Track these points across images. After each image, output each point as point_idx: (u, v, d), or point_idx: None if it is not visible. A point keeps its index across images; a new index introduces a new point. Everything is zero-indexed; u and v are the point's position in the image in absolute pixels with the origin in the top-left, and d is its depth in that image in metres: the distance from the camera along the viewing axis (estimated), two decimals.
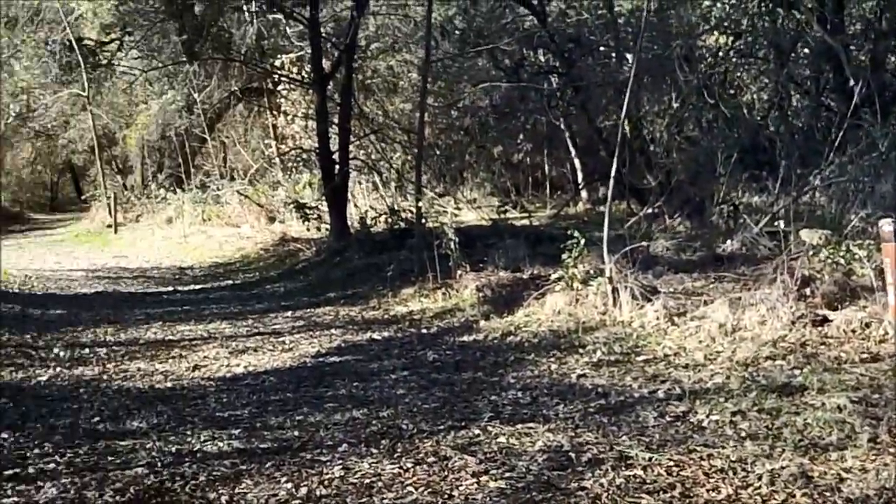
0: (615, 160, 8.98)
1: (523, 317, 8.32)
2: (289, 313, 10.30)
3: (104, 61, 25.13)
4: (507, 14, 16.82)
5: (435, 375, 6.69)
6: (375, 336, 8.52)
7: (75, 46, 25.21)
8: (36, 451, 5.20)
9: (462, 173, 20.71)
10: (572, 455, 4.60)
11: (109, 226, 24.54)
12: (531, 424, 5.18)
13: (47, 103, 29.99)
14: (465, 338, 7.99)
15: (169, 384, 6.99)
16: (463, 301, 9.34)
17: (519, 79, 16.36)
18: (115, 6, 21.99)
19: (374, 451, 4.89)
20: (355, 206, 16.97)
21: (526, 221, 14.65)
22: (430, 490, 4.25)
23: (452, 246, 9.93)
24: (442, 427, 5.26)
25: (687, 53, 14.28)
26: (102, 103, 28.76)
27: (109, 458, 5.01)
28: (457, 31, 16.48)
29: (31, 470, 4.85)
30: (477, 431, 5.12)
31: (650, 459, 4.46)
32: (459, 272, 9.93)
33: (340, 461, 4.74)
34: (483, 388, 6.16)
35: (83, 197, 34.56)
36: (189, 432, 5.46)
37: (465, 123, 18.81)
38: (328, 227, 15.42)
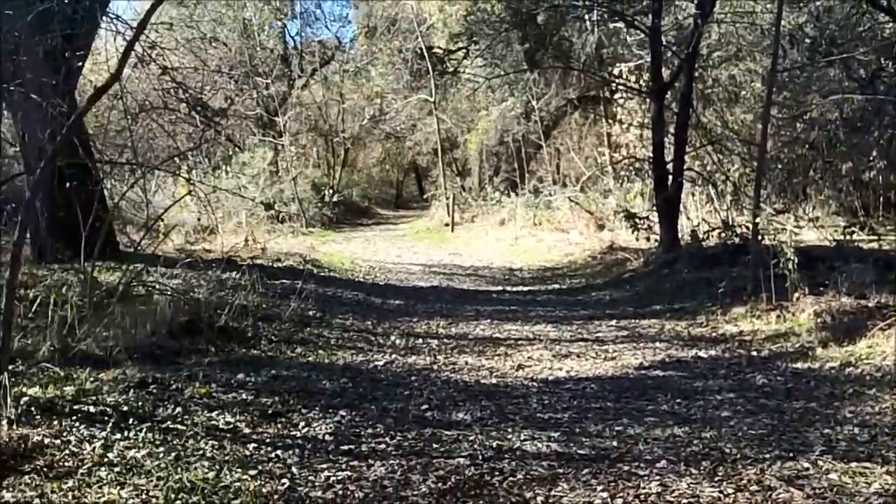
0: None
1: (866, 347, 7.65)
2: (613, 322, 10.26)
3: (451, 69, 26.81)
4: (864, 21, 15.61)
5: (763, 401, 6.36)
6: (701, 354, 8.26)
7: (425, 54, 27.09)
8: (369, 430, 5.63)
9: (805, 190, 19.52)
10: None
11: (447, 224, 25.88)
12: (867, 464, 4.79)
13: (398, 107, 32.44)
14: (799, 364, 7.51)
15: (493, 381, 7.25)
16: (799, 325, 8.78)
17: (875, 91, 15.07)
18: (463, 17, 23.32)
19: (694, 471, 4.77)
20: (687, 217, 16.58)
21: (875, 245, 13.50)
22: None
23: (791, 266, 9.36)
24: (768, 455, 5.01)
25: None
26: (447, 109, 30.50)
27: (434, 446, 5.31)
28: (807, 40, 15.47)
29: (363, 448, 5.26)
30: (806, 464, 4.82)
31: None
32: (797, 294, 9.33)
33: (658, 477, 4.67)
34: (815, 420, 5.77)
35: (425, 196, 36.85)
36: (510, 430, 5.64)
37: (811, 137, 17.67)
38: (657, 237, 15.20)
